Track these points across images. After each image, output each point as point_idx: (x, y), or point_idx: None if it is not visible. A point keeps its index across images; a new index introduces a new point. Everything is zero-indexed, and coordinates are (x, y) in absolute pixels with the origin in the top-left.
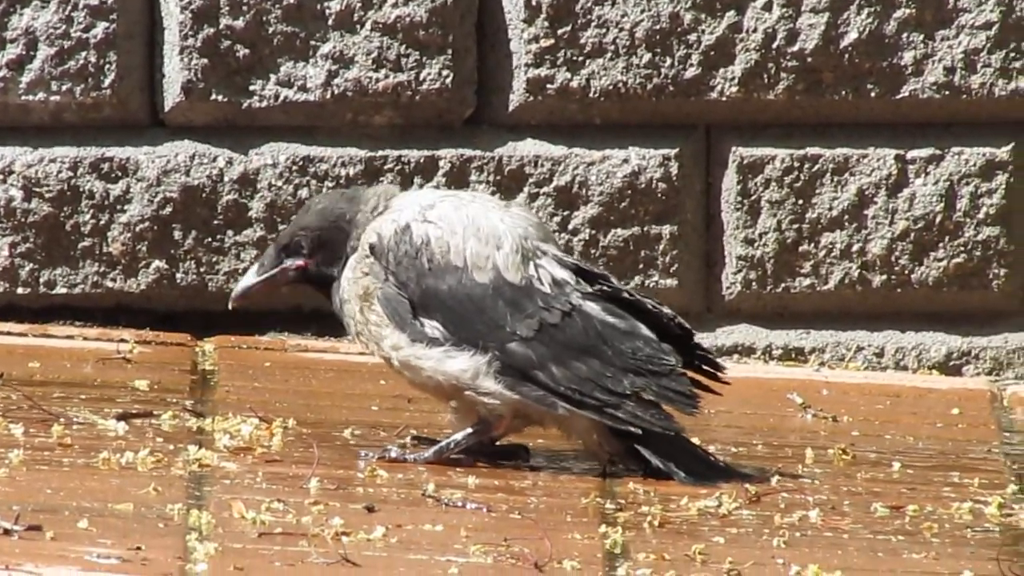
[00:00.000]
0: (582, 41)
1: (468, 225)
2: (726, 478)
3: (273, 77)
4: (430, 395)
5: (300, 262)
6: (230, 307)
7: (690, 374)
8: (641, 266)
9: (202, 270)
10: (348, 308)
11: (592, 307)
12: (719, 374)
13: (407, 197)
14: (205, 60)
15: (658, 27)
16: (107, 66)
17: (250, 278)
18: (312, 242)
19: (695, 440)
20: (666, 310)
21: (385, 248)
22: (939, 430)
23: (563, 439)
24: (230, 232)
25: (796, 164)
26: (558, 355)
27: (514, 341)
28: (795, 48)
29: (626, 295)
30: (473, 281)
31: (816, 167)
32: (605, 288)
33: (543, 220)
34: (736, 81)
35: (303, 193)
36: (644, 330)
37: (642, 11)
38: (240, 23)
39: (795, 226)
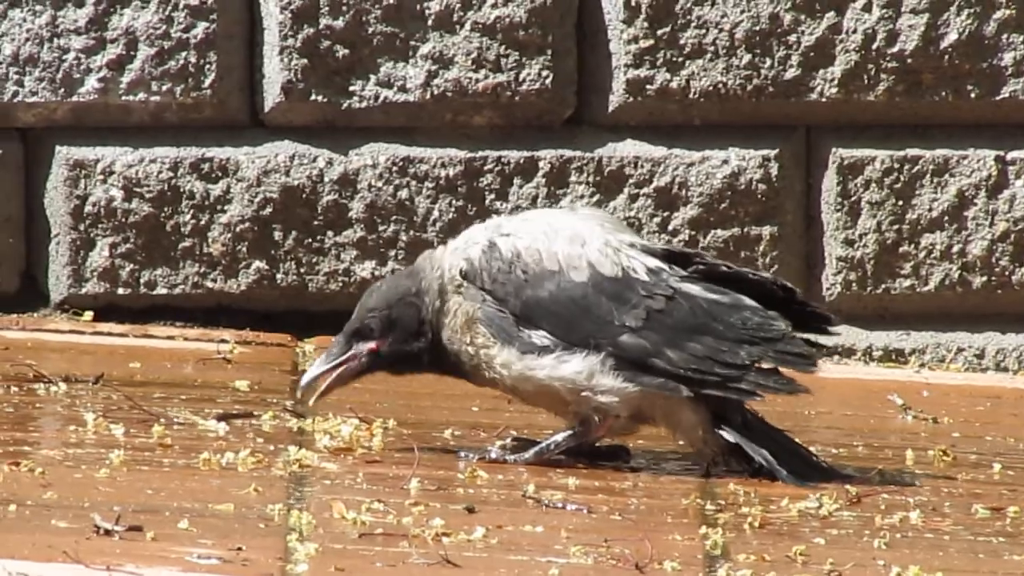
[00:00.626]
0: (682, 42)
1: (547, 230)
2: (828, 479)
3: (373, 77)
4: (544, 407)
5: (372, 344)
6: (304, 400)
7: (801, 336)
8: (741, 266)
9: (302, 270)
10: (464, 352)
11: (692, 288)
12: (828, 327)
13: (463, 234)
14: (305, 60)
15: (758, 28)
16: (207, 66)
17: (317, 368)
18: (382, 322)
19: (796, 440)
20: (766, 275)
21: (478, 269)
22: None
23: (664, 439)
24: (330, 233)
25: (896, 165)
26: (671, 339)
27: (625, 334)
28: (895, 49)
29: (724, 268)
30: (572, 282)
31: (916, 168)
32: (702, 266)
33: (624, 218)
34: (836, 82)
35: (403, 194)
36: (748, 301)
37: (742, 12)
38: (340, 23)
39: (895, 227)
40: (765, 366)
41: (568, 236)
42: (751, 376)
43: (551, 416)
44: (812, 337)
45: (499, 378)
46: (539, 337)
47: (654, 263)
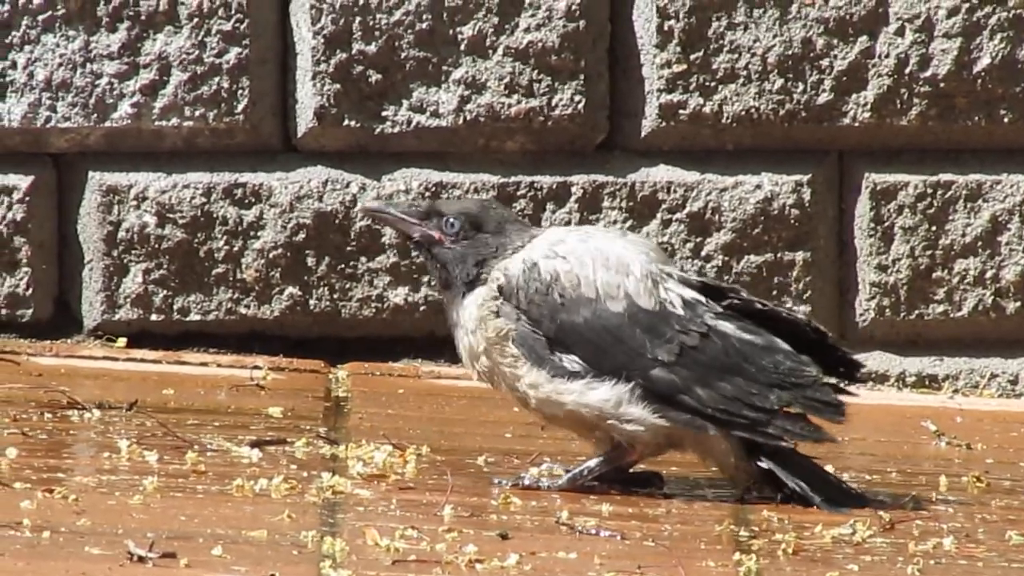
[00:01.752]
0: (714, 66)
1: (596, 256)
2: (861, 505)
3: (405, 102)
4: (570, 430)
5: (436, 234)
6: (357, 208)
7: (828, 380)
8: (774, 292)
9: (335, 296)
10: (465, 339)
11: (727, 326)
12: (857, 374)
13: (539, 237)
14: (338, 85)
15: (790, 52)
16: (240, 91)
17: (389, 207)
18: (463, 231)
19: (829, 467)
20: (800, 316)
21: (515, 288)
22: None
23: (697, 465)
24: (363, 259)
25: (929, 190)
26: (702, 377)
27: (656, 367)
28: (928, 73)
29: (758, 306)
30: (608, 311)
31: (949, 193)
32: (736, 302)
33: (658, 244)
34: (868, 107)
35: None
36: (781, 344)
37: (774, 36)
38: (372, 48)
39: (928, 252)
40: (793, 411)
41: (613, 264)
42: (779, 421)
43: (583, 443)
44: (839, 382)
45: (523, 397)
46: (570, 362)
47: (691, 296)
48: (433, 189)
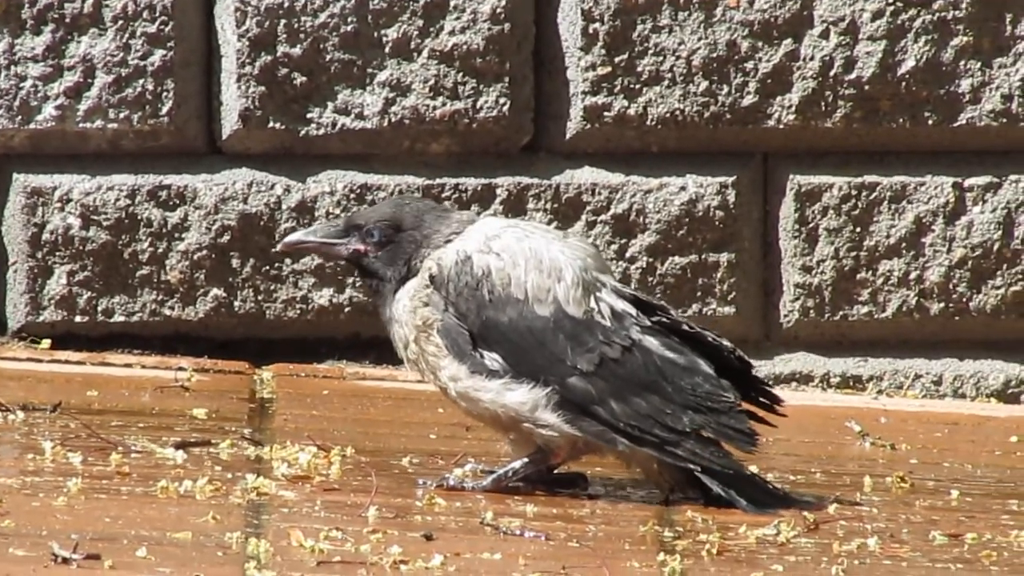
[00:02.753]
0: (639, 69)
1: (530, 257)
2: (786, 506)
3: (330, 105)
4: (486, 425)
5: (361, 247)
6: (277, 248)
7: (747, 407)
8: (699, 294)
9: (260, 298)
10: (399, 331)
11: (652, 342)
12: (776, 407)
13: (475, 226)
14: (262, 88)
15: (715, 55)
16: (165, 94)
17: (309, 235)
18: (384, 235)
19: (753, 468)
20: (725, 343)
21: (445, 279)
22: (998, 458)
23: (622, 467)
24: (288, 260)
25: (853, 192)
26: (618, 391)
27: (574, 375)
28: (852, 76)
29: (685, 327)
30: (534, 314)
31: (873, 195)
32: (664, 320)
33: (600, 250)
34: (793, 109)
35: None
36: (704, 366)
37: (699, 39)
38: (297, 51)
39: (853, 254)
40: (706, 435)
41: (546, 268)
42: (689, 444)
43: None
44: (757, 412)
45: (444, 387)
46: (491, 360)
47: (622, 307)
48: (358, 191)
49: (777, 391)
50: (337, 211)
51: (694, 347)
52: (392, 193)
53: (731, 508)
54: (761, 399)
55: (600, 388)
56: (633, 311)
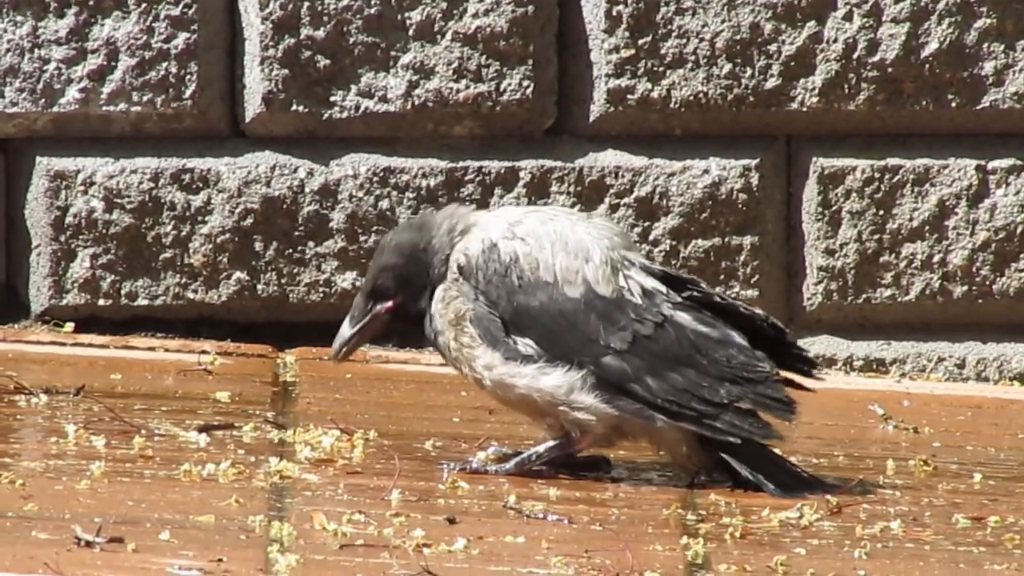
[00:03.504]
0: (663, 51)
1: (556, 240)
2: (813, 490)
3: (354, 88)
4: (522, 413)
5: (389, 304)
6: (335, 362)
7: (784, 373)
8: (722, 277)
9: (283, 281)
10: (443, 339)
11: (684, 317)
12: (813, 372)
13: (492, 214)
14: (286, 71)
15: (738, 37)
16: (188, 77)
17: (345, 331)
18: (396, 280)
19: (776, 451)
20: (758, 311)
21: (474, 267)
22: (1021, 441)
23: (644, 449)
24: (311, 243)
25: (877, 175)
26: (653, 367)
27: (608, 355)
28: (876, 58)
29: (717, 299)
30: (564, 296)
31: (897, 178)
32: (695, 294)
33: (625, 229)
34: (816, 92)
35: (384, 204)
36: (737, 338)
37: (722, 21)
38: (321, 33)
39: (876, 237)
40: (743, 406)
41: (573, 249)
42: (728, 416)
43: (532, 427)
44: (795, 378)
45: (479, 378)
46: (524, 345)
47: (651, 284)
48: (381, 174)
49: (812, 357)
50: (360, 195)
51: (727, 319)
52: (415, 177)
53: (755, 491)
54: (797, 365)
55: (635, 366)
56: (663, 288)
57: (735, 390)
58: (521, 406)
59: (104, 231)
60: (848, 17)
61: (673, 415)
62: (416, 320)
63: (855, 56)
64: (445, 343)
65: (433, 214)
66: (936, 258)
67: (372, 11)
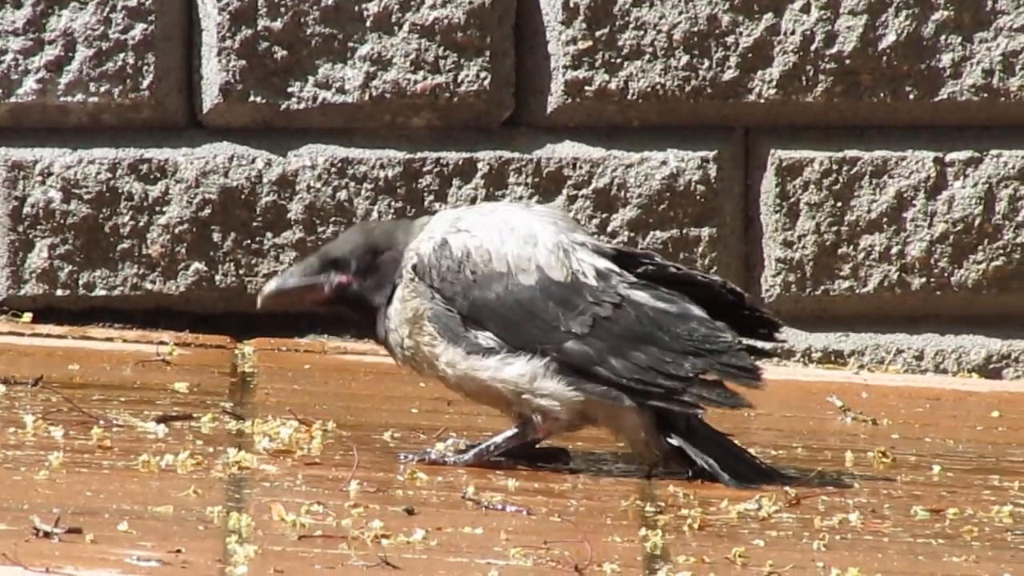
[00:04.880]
0: (620, 43)
1: (503, 227)
2: (769, 481)
3: (311, 79)
4: (490, 406)
5: (343, 279)
6: (259, 306)
7: (747, 342)
8: None
9: (241, 272)
10: (394, 336)
11: (641, 295)
12: (775, 334)
13: (435, 216)
14: (243, 62)
15: (696, 29)
16: (145, 67)
17: (288, 279)
18: (362, 263)
19: (736, 442)
20: (716, 278)
21: (427, 266)
22: (979, 433)
23: (603, 441)
24: (269, 234)
25: (835, 166)
26: (615, 348)
27: (570, 340)
28: (833, 50)
29: (673, 270)
30: (520, 285)
31: (855, 169)
32: (651, 268)
33: (568, 212)
34: (774, 83)
35: (342, 195)
36: (696, 310)
37: (680, 13)
38: (278, 24)
39: (834, 228)
40: (710, 378)
41: (522, 236)
42: (694, 389)
43: (490, 418)
44: (758, 344)
45: (444, 375)
46: (485, 338)
47: (604, 265)
48: (339, 165)
49: (774, 318)
50: (319, 185)
51: (684, 289)
52: (373, 168)
53: (714, 483)
54: (759, 329)
55: (598, 348)
56: (616, 268)
57: (699, 363)
58: (487, 398)
59: (62, 221)
60: (806, 9)
61: (640, 393)
62: (359, 308)
63: (813, 48)
64: (397, 341)
65: (414, 221)
66: (894, 250)
67: (329, 2)
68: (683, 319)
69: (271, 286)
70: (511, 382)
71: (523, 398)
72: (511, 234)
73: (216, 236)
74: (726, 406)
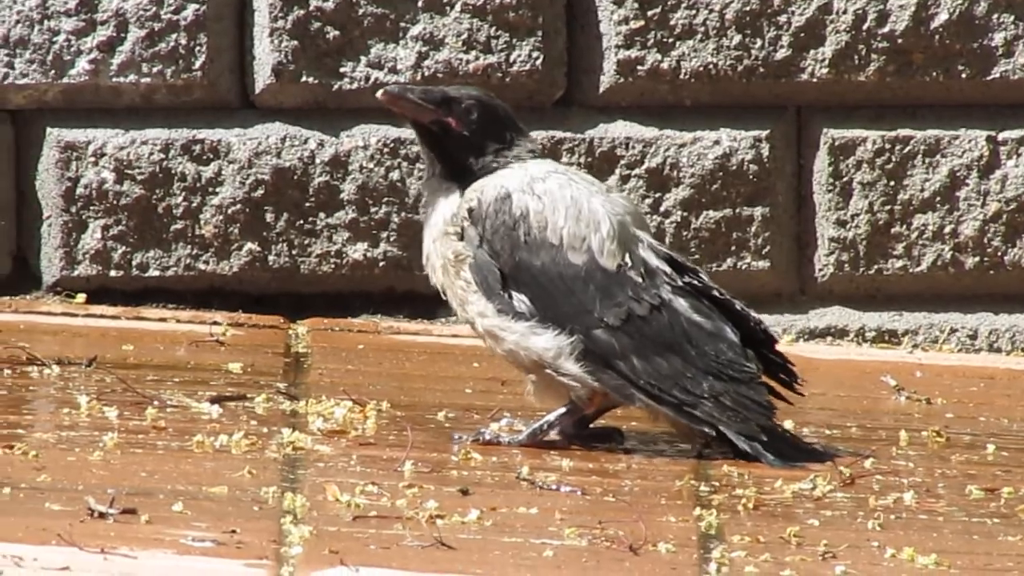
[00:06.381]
0: (672, 22)
1: (570, 205)
2: (815, 459)
3: (363, 59)
4: (509, 363)
5: (453, 120)
6: (379, 94)
7: (767, 380)
8: (733, 248)
9: (294, 252)
10: (428, 244)
11: (681, 304)
12: (795, 385)
13: (522, 166)
14: (295, 42)
15: (748, 8)
16: (197, 48)
17: (410, 92)
18: (479, 119)
19: (789, 423)
20: (752, 313)
21: (483, 214)
22: None
23: (659, 422)
24: (322, 214)
25: (887, 146)
26: (641, 348)
27: (600, 328)
28: (885, 29)
29: (715, 293)
30: (567, 261)
31: (907, 149)
32: (695, 284)
33: (638, 206)
34: (826, 63)
35: (394, 175)
36: (729, 333)
37: None
38: (330, 4)
39: (887, 208)
40: (725, 402)
41: (584, 217)
42: (707, 406)
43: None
44: (776, 387)
45: (471, 320)
46: (519, 301)
47: (656, 264)
48: (391, 145)
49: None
50: (371, 166)
51: (721, 314)
52: None
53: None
54: (780, 375)
55: (624, 344)
56: (667, 268)
57: (718, 386)
58: (508, 358)
59: (115, 202)
60: None
61: (653, 397)
62: (442, 154)
63: (865, 27)
64: (432, 257)
65: (530, 138)
66: (947, 229)
67: None
68: (715, 338)
69: (395, 88)
70: (535, 352)
71: (545, 372)
72: (576, 213)
73: (269, 217)
74: (734, 428)
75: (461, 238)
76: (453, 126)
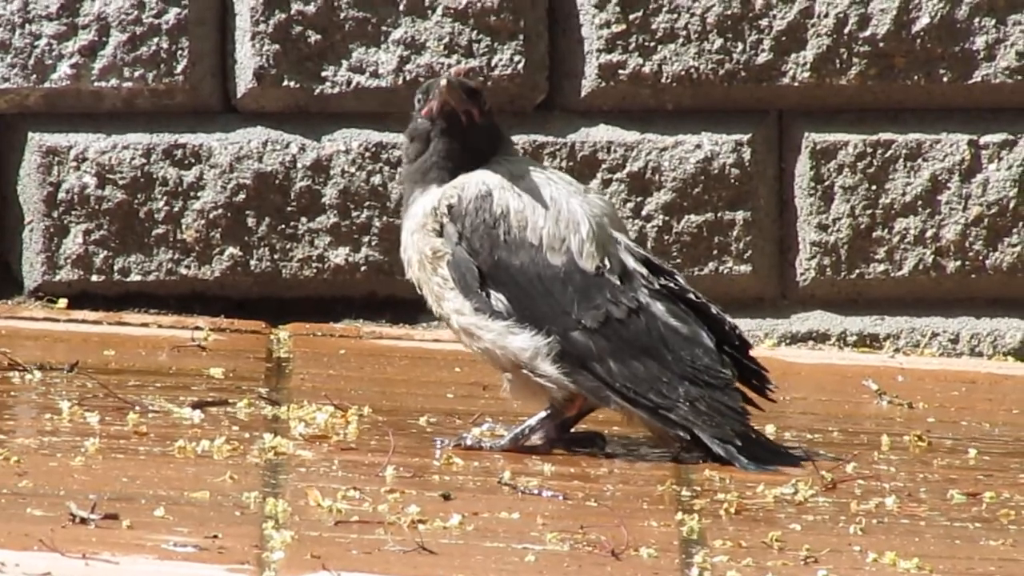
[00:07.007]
0: (654, 26)
1: (550, 205)
2: (791, 463)
3: (345, 63)
4: (484, 361)
5: (476, 109)
6: (448, 78)
7: (740, 387)
8: (715, 252)
9: (276, 257)
10: (406, 237)
11: (658, 308)
12: (767, 389)
13: (504, 164)
14: (277, 46)
15: (729, 12)
16: (179, 52)
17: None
18: (491, 113)
19: (771, 428)
20: (728, 318)
21: (463, 211)
22: (1015, 416)
23: (639, 426)
24: (303, 219)
25: (869, 149)
26: (618, 351)
27: (577, 330)
28: (867, 33)
29: (692, 296)
30: (546, 262)
31: (889, 152)
32: (672, 287)
33: (616, 207)
34: (808, 66)
35: (376, 180)
36: (705, 339)
37: None
38: (311, 8)
39: (868, 212)
40: (700, 407)
41: (564, 218)
42: (683, 410)
43: (526, 404)
44: (748, 393)
45: (446, 317)
46: (496, 300)
47: (633, 266)
48: (373, 150)
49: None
50: (353, 170)
51: (697, 317)
52: None
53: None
54: (753, 380)
55: (601, 346)
56: (644, 271)
57: (693, 391)
58: (482, 356)
59: (97, 207)
60: None
61: (629, 400)
62: (456, 141)
63: (846, 31)
64: (410, 248)
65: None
66: (929, 233)
67: None
68: (691, 343)
69: (456, 81)
70: (511, 352)
71: (521, 372)
72: (556, 214)
73: (251, 221)
74: (708, 432)
75: (440, 234)
76: (476, 117)
